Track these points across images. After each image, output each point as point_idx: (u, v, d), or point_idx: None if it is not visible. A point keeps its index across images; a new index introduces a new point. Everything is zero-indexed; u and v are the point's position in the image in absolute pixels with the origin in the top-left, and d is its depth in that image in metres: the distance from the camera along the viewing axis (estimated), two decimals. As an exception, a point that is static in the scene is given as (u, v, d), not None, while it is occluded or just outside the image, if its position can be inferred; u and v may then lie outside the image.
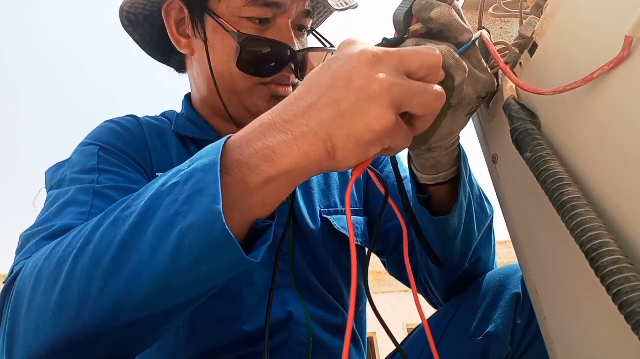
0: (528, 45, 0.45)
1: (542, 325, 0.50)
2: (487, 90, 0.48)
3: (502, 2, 0.61)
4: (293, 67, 0.72)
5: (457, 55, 0.44)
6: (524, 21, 0.46)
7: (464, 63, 0.45)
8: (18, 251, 0.55)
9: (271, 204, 0.43)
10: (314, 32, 0.84)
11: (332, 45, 0.82)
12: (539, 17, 0.45)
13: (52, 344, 0.42)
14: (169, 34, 0.76)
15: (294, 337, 0.70)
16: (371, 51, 0.39)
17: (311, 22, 0.78)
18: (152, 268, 0.40)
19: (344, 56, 0.40)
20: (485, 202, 0.69)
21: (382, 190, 0.52)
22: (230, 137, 0.43)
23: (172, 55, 0.83)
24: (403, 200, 0.60)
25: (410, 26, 0.46)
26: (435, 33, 0.45)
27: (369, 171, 0.55)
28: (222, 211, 0.38)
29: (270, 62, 0.70)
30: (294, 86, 0.75)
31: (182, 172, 0.42)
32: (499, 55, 0.46)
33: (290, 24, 0.72)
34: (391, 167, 0.85)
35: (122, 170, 0.65)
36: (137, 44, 0.83)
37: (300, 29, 0.76)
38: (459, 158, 0.58)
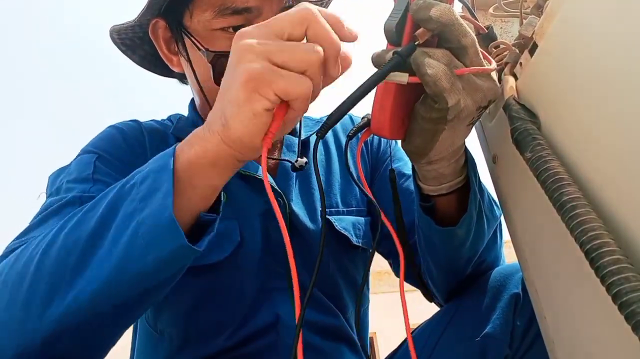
0: (528, 45, 0.45)
1: (542, 325, 0.50)
2: (488, 99, 0.45)
3: (502, 2, 0.61)
4: None
5: (454, 77, 0.42)
6: (524, 21, 0.46)
7: (459, 82, 0.43)
8: None
9: (202, 187, 0.47)
10: None
11: None
12: (539, 17, 0.45)
13: (18, 340, 0.45)
14: (160, 53, 0.75)
15: (281, 340, 0.69)
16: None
17: None
18: (110, 259, 0.45)
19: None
20: (495, 206, 0.66)
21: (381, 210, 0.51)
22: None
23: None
24: (399, 227, 0.58)
25: (404, 35, 0.43)
26: (435, 36, 0.43)
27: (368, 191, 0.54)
28: (172, 202, 0.43)
29: None
30: None
31: (139, 174, 0.48)
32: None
33: None
34: (394, 165, 0.85)
35: (114, 181, 0.64)
36: (138, 64, 0.83)
37: None
38: (467, 167, 0.55)
